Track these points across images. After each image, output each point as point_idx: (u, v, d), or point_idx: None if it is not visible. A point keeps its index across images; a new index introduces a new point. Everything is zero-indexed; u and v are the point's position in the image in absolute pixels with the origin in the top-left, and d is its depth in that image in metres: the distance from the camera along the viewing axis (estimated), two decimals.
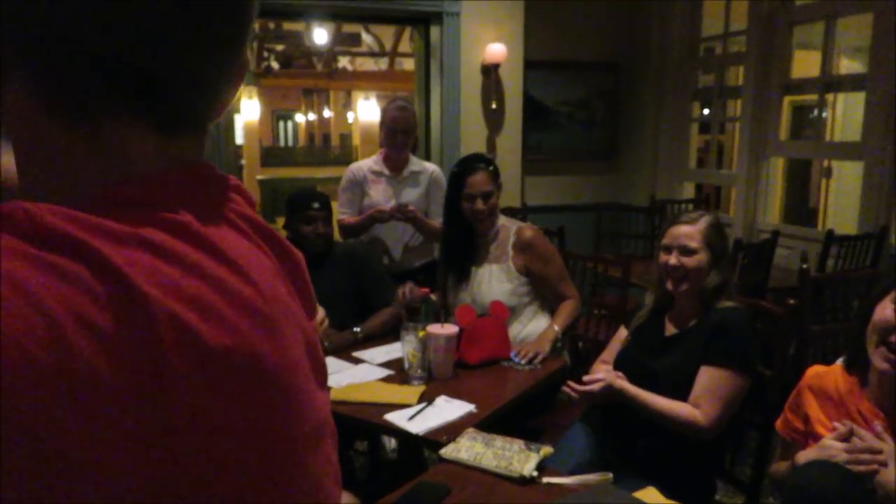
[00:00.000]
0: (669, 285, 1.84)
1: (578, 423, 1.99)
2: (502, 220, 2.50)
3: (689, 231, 1.83)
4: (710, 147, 5.35)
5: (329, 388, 0.60)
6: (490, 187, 2.39)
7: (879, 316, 1.48)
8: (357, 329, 2.37)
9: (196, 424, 0.40)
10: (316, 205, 2.50)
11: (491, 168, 2.44)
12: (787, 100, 6.08)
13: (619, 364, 1.93)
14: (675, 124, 5.00)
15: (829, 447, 1.42)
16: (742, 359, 1.73)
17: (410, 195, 3.06)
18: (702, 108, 5.26)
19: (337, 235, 2.77)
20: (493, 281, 2.41)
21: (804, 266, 2.43)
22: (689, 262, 1.81)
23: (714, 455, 1.85)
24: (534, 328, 2.42)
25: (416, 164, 3.14)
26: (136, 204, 0.44)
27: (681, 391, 1.75)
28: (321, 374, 0.56)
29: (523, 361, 2.15)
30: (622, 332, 2.07)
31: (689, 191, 5.16)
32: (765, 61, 4.18)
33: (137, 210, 0.43)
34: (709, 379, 1.74)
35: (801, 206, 7.79)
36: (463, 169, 2.44)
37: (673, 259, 1.82)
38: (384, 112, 3.13)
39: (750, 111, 4.28)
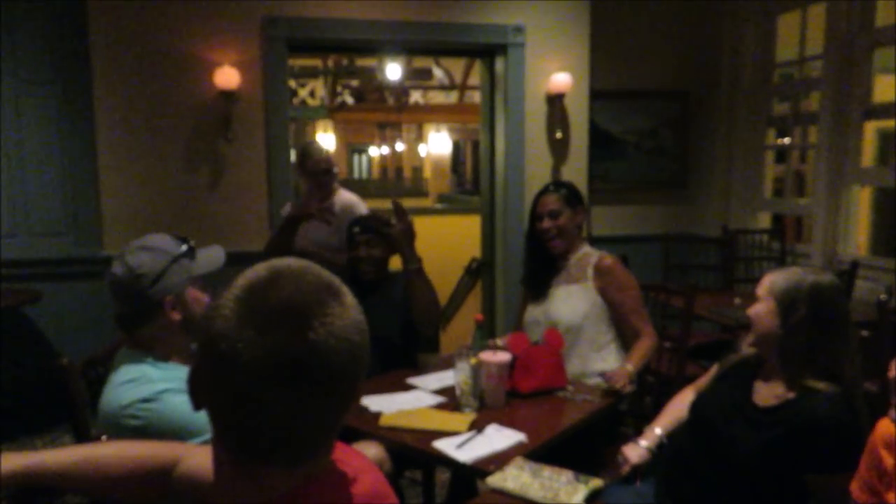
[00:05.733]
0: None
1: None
2: (587, 249, 2.54)
3: (765, 279, 1.71)
4: (787, 176, 5.14)
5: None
6: (557, 206, 2.47)
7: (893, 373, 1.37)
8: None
9: None
10: (357, 229, 2.55)
11: (563, 191, 2.52)
12: (873, 126, 5.81)
13: (700, 405, 1.82)
14: (749, 152, 4.84)
15: None
16: (854, 455, 1.52)
17: (321, 230, 3.18)
18: (777, 135, 5.08)
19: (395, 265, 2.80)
20: (570, 299, 2.43)
21: (882, 297, 2.29)
22: (751, 310, 1.70)
23: None
24: (600, 358, 2.38)
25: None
26: None
27: (757, 475, 1.60)
28: None
29: (617, 385, 2.10)
30: (715, 368, 1.95)
31: (764, 221, 4.97)
32: (843, 86, 4.01)
33: None
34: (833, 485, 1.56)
35: (891, 238, 7.36)
36: (538, 193, 2.58)
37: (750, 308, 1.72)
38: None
39: (827, 138, 4.10)
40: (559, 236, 2.48)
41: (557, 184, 2.62)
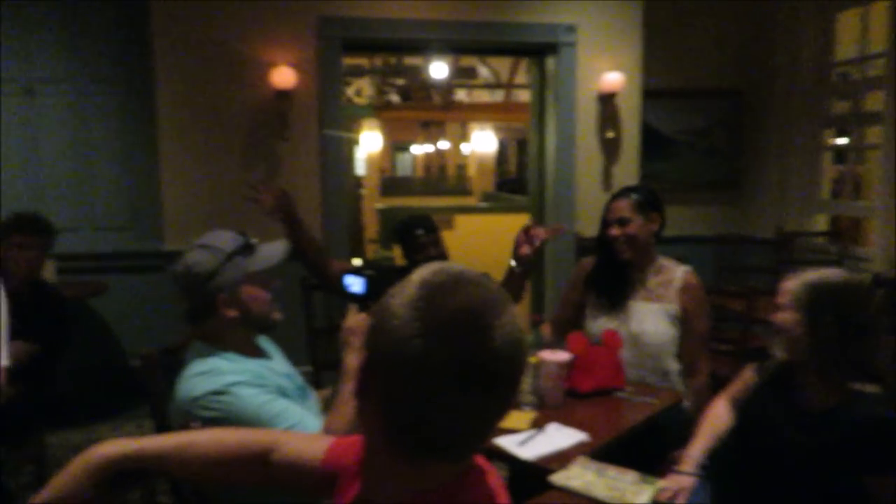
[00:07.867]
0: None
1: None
2: (663, 260, 2.44)
3: (785, 287, 1.66)
4: (844, 178, 5.02)
5: None
6: (627, 213, 2.35)
7: None
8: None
9: None
10: (420, 231, 2.57)
11: (634, 196, 2.38)
12: None
13: (747, 415, 1.80)
14: (805, 153, 4.73)
15: None
16: None
17: None
18: (835, 135, 4.95)
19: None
20: (655, 319, 2.33)
21: None
22: (776, 318, 1.67)
23: None
24: (670, 375, 2.36)
25: None
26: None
27: (814, 481, 1.60)
28: None
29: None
30: (747, 373, 1.94)
31: (821, 223, 4.85)
32: None
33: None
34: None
35: None
36: (611, 196, 2.45)
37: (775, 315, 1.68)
38: None
39: (891, 138, 3.99)
40: (628, 244, 2.35)
41: (630, 188, 2.46)
